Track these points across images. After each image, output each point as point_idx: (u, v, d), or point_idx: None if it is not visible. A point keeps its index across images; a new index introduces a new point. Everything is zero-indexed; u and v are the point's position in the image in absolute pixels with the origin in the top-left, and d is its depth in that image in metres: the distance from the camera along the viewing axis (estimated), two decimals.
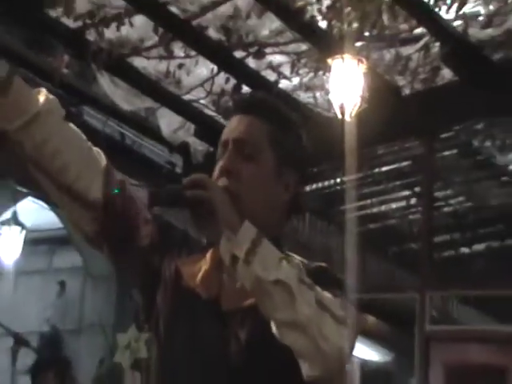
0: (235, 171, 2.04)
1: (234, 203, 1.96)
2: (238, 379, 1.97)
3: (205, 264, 2.08)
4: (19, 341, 4.67)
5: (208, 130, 6.69)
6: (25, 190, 7.00)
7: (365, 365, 9.59)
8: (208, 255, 2.09)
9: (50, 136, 2.03)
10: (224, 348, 1.98)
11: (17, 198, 7.61)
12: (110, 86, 6.30)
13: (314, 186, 8.14)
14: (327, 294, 1.90)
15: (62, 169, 2.03)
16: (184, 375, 2.03)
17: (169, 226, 2.21)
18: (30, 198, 7.70)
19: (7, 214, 8.20)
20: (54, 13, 5.63)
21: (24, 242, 8.25)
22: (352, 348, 1.94)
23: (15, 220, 8.17)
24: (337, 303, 1.90)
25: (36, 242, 9.20)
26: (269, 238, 1.93)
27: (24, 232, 8.19)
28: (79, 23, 5.66)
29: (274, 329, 1.86)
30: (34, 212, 8.41)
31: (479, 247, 9.18)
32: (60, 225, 8.84)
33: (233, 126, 2.11)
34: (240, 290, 1.95)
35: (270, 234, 1.96)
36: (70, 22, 5.66)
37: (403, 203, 8.52)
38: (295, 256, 2.03)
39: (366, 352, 9.31)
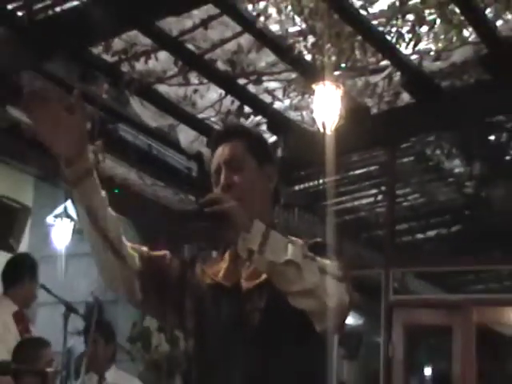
0: (232, 183, 2.11)
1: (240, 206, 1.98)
2: (259, 341, 1.97)
3: (224, 263, 2.11)
4: (70, 308, 4.63)
5: None
6: None
7: None
8: (226, 256, 2.13)
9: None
10: (246, 319, 1.99)
11: (67, 196, 7.57)
12: (140, 108, 6.26)
13: (302, 186, 8.12)
14: (326, 261, 1.92)
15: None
16: (216, 346, 2.03)
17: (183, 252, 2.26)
18: None
19: (60, 209, 8.15)
20: (96, 50, 5.60)
21: (73, 231, 8.21)
22: (352, 299, 1.94)
23: (66, 213, 8.12)
24: (335, 266, 1.93)
25: (82, 231, 9.16)
26: (267, 218, 2.02)
27: (73, 223, 8.15)
28: (116, 58, 5.62)
29: (289, 299, 1.86)
30: None
31: (431, 233, 9.15)
32: None
33: (219, 154, 2.19)
34: (254, 272, 1.99)
35: (267, 223, 1.97)
36: (108, 57, 5.63)
37: (371, 199, 8.49)
38: (297, 239, 2.06)
39: None
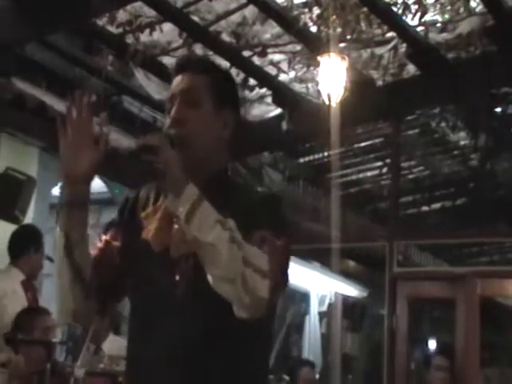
0: (183, 119, 1.94)
1: (184, 147, 1.88)
2: (187, 309, 1.89)
3: (159, 215, 1.94)
4: None
5: None
6: None
7: (346, 299, 9.57)
8: (163, 206, 1.93)
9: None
10: (174, 288, 1.90)
11: None
12: (144, 80, 6.25)
13: (306, 158, 8.12)
14: (255, 251, 1.80)
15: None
16: (147, 311, 1.96)
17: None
18: None
19: None
20: (100, 22, 5.57)
21: None
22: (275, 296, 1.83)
23: None
24: (262, 258, 1.80)
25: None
26: (217, 169, 1.95)
27: None
28: (120, 30, 5.60)
29: (208, 279, 1.78)
30: None
31: (435, 206, 9.17)
32: (105, 190, 8.83)
33: (177, 83, 2.00)
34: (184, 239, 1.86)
35: (217, 166, 1.97)
36: (113, 29, 5.61)
37: (376, 172, 8.50)
38: (243, 184, 2.01)
39: (346, 289, 9.30)
